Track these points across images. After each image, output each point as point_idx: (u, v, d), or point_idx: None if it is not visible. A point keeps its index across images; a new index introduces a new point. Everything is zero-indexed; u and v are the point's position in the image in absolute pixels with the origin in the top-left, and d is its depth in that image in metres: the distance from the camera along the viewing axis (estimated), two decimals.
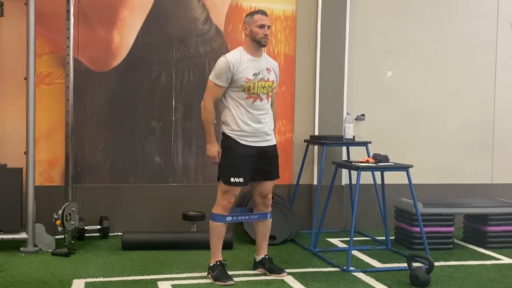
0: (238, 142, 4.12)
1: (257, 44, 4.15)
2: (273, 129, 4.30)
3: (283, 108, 5.70)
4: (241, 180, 4.11)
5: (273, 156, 4.26)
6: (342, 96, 5.81)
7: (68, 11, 4.99)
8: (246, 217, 4.37)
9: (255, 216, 4.35)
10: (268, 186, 4.29)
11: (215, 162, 4.19)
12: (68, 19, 4.99)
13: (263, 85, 4.14)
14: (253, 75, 4.10)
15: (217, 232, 4.17)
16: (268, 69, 4.20)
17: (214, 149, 4.15)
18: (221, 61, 4.12)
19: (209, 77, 4.14)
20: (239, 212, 4.42)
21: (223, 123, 4.19)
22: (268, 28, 4.15)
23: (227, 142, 4.16)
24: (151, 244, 4.94)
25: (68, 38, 5.00)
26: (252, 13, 4.21)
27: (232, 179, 4.09)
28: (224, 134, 4.19)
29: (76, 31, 5.15)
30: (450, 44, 6.16)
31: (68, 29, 5.00)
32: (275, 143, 4.30)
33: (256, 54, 4.18)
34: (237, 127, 4.12)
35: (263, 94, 4.16)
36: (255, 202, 4.35)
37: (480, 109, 6.27)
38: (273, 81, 4.21)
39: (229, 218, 4.21)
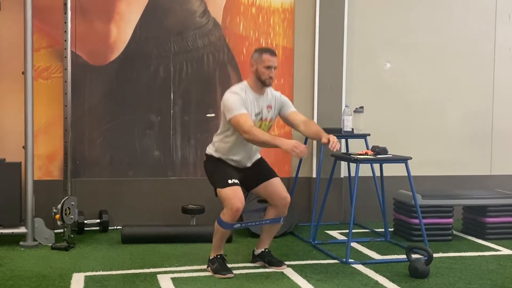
0: (224, 160, 4.16)
1: (262, 83, 4.11)
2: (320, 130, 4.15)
3: None
4: (236, 180, 4.06)
5: (257, 163, 4.26)
6: (340, 88, 5.80)
7: (66, 4, 4.98)
8: (257, 223, 4.34)
9: (267, 221, 4.28)
10: (276, 184, 4.22)
11: (301, 151, 3.82)
12: (66, 13, 4.99)
13: (260, 124, 4.11)
14: (255, 115, 4.08)
15: (222, 233, 4.11)
16: (268, 107, 4.17)
17: (288, 142, 3.88)
18: (233, 96, 4.03)
19: (230, 118, 3.97)
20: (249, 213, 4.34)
21: (213, 146, 4.20)
22: (274, 69, 4.10)
23: (213, 159, 4.17)
24: (151, 237, 4.95)
25: (65, 31, 5.00)
26: (261, 51, 4.14)
27: (229, 181, 4.04)
28: (209, 155, 4.20)
29: (74, 25, 5.14)
30: (449, 36, 6.15)
31: (66, 22, 4.99)
32: (258, 157, 4.29)
33: (260, 91, 4.14)
34: (225, 156, 4.15)
35: None
36: (273, 205, 4.23)
37: (479, 101, 6.26)
38: (270, 119, 4.19)
39: (237, 225, 4.17)
